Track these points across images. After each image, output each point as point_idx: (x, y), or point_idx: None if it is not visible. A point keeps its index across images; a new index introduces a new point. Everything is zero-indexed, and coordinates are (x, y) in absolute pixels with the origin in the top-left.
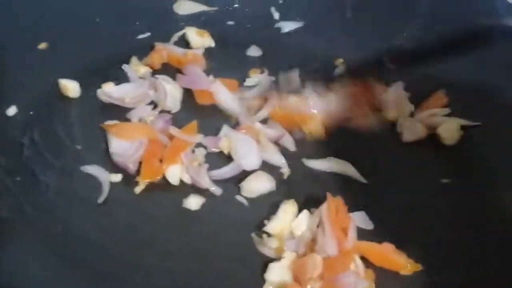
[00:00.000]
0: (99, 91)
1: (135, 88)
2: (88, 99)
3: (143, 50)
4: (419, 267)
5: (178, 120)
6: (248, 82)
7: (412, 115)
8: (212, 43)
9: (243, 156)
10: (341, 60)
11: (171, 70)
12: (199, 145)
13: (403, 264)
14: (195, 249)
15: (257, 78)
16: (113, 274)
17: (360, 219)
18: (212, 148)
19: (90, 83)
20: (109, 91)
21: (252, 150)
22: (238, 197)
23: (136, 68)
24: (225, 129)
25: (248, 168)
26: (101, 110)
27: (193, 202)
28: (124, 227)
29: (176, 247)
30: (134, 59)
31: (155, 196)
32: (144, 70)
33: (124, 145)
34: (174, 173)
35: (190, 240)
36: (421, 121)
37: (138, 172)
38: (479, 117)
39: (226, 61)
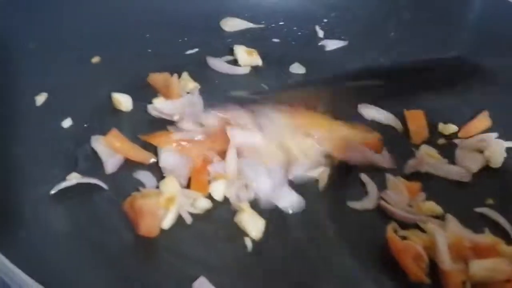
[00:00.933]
0: (149, 106)
1: (184, 104)
2: (140, 112)
3: (192, 65)
4: None
5: None
6: None
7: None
8: (259, 62)
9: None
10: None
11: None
12: None
13: None
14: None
15: None
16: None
17: None
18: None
19: (141, 97)
20: (159, 106)
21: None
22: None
23: (185, 83)
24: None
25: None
26: (152, 124)
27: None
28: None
29: (221, 261)
30: (184, 75)
31: None
32: (192, 85)
33: (173, 159)
34: (218, 189)
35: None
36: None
37: (188, 186)
38: None
39: (270, 77)
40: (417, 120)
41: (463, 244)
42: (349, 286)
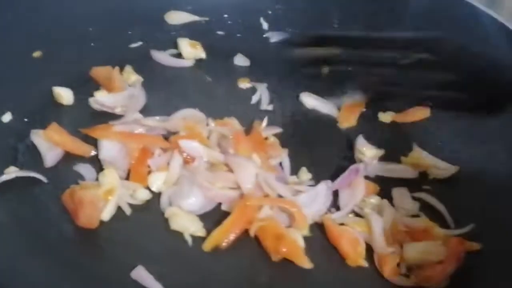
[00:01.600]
0: (91, 100)
1: (126, 96)
2: (82, 106)
3: (136, 59)
4: None
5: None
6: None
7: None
8: (203, 55)
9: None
10: (327, 68)
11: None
12: None
13: None
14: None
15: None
16: (107, 276)
17: None
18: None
19: (83, 91)
20: (101, 99)
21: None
22: None
23: (128, 76)
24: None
25: (188, 209)
26: (93, 117)
27: None
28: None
29: (160, 250)
30: (127, 68)
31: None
32: (135, 78)
33: (113, 152)
34: (156, 180)
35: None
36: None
37: (127, 177)
38: None
39: (215, 70)
40: (350, 108)
41: (398, 228)
42: (287, 273)
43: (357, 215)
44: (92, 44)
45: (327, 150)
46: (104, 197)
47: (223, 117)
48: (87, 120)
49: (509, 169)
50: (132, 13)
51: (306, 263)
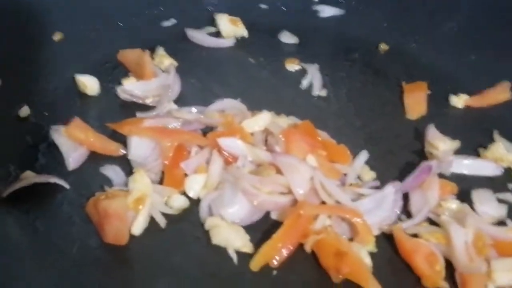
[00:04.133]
0: (118, 89)
1: (159, 84)
2: (108, 96)
3: (169, 39)
4: None
5: None
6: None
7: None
8: (245, 33)
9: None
10: (386, 45)
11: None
12: None
13: None
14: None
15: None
16: None
17: None
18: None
19: (110, 79)
20: (130, 88)
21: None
22: None
23: (160, 60)
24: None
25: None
26: (122, 109)
27: None
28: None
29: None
30: (160, 50)
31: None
32: (168, 62)
33: (144, 151)
34: (194, 185)
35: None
36: None
37: (161, 180)
38: None
39: (259, 50)
40: (415, 93)
41: (484, 240)
42: None
43: (432, 222)
44: (119, 23)
45: (392, 143)
46: (134, 206)
47: (269, 108)
48: (115, 113)
49: None
50: None
51: (373, 286)
